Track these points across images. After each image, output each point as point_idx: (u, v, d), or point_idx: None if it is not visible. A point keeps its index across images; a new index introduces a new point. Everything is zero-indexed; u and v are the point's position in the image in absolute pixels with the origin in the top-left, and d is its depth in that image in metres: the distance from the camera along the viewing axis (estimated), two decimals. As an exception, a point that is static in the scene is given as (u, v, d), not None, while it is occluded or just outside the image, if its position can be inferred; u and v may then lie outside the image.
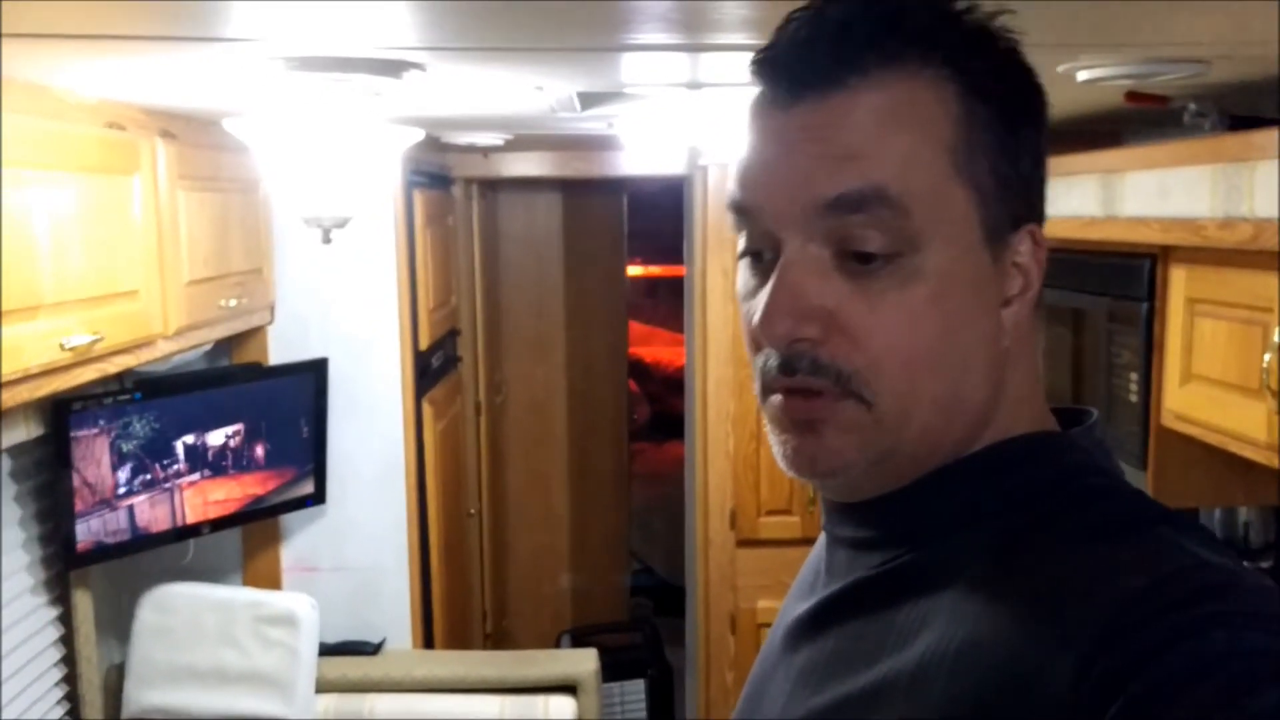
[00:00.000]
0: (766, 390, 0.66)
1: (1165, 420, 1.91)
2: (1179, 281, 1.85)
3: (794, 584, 0.82)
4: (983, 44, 0.64)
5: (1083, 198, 2.17)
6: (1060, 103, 2.17)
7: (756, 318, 0.63)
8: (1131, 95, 1.81)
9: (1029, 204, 0.65)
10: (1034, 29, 1.37)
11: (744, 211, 0.65)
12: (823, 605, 0.71)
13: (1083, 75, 1.61)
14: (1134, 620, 0.54)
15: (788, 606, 0.80)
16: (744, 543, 3.42)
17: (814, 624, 0.72)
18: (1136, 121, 2.46)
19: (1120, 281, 2.07)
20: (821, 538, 0.79)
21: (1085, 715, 0.53)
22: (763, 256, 0.65)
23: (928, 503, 0.67)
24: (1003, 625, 0.58)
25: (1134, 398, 2.02)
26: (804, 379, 0.63)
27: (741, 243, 0.67)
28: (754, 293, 0.65)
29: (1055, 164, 2.45)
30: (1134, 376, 2.02)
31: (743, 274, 0.67)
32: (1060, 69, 1.61)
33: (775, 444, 0.67)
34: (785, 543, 3.33)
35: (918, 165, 0.61)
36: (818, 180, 0.61)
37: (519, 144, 3.32)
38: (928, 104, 0.61)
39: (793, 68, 0.62)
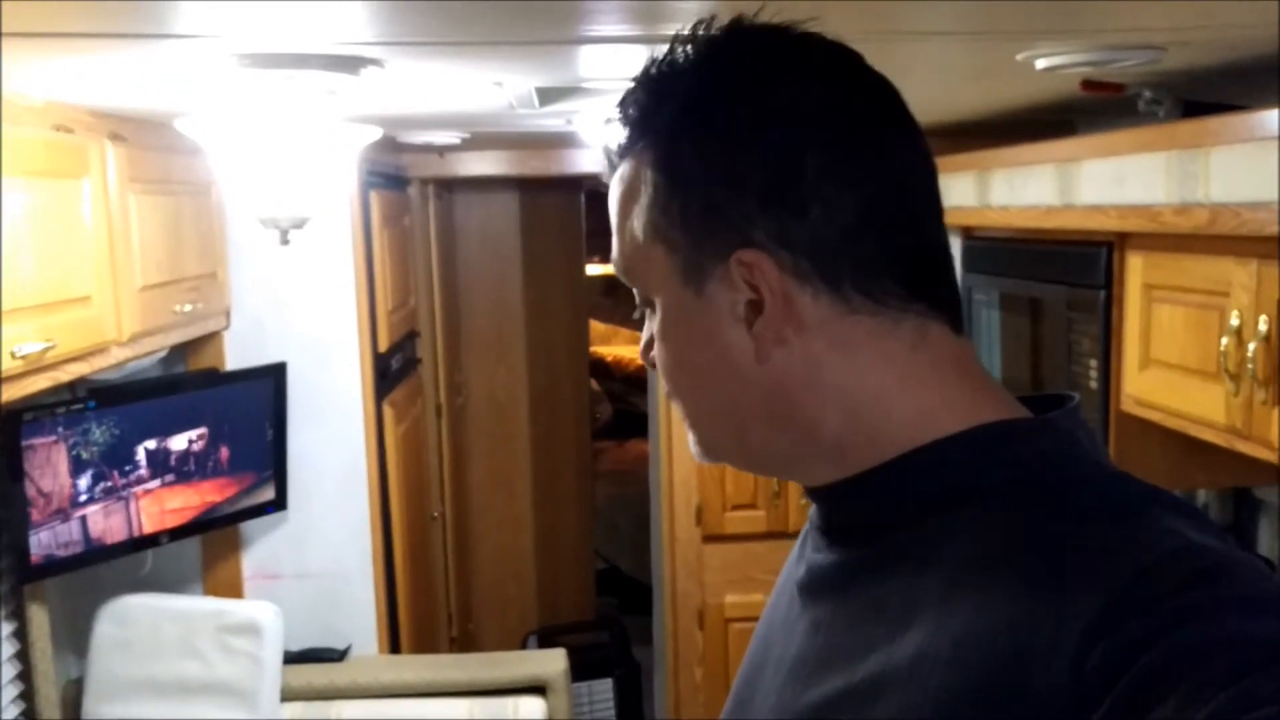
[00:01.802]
0: None
1: (1125, 405, 1.93)
2: (1136, 268, 1.87)
3: (782, 572, 0.82)
4: (674, 113, 0.70)
5: (1040, 187, 2.18)
6: (1018, 92, 2.19)
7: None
8: (1088, 84, 1.83)
9: (730, 236, 0.68)
10: (993, 17, 1.38)
11: None
12: (806, 586, 0.73)
13: (1041, 64, 1.62)
14: (1128, 607, 0.54)
15: (776, 599, 0.80)
16: (710, 538, 3.42)
17: (803, 607, 0.73)
18: (1091, 110, 2.49)
19: (1078, 269, 2.09)
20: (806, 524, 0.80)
21: (1083, 703, 0.52)
22: None
23: (889, 490, 0.68)
24: (997, 615, 0.58)
25: (1094, 384, 2.04)
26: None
27: None
28: None
29: (1012, 154, 2.48)
30: (1093, 363, 2.04)
31: None
32: (1019, 57, 1.62)
33: None
34: (751, 537, 3.33)
35: (629, 234, 0.72)
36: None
37: (475, 143, 3.30)
38: (634, 180, 0.71)
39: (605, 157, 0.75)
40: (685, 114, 0.69)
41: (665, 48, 0.71)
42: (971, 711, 0.57)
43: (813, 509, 0.76)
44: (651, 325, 0.75)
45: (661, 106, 0.70)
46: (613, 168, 0.74)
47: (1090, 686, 0.53)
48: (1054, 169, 2.11)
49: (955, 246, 2.86)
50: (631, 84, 0.72)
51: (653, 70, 0.71)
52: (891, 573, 0.66)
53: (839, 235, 0.66)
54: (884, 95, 0.71)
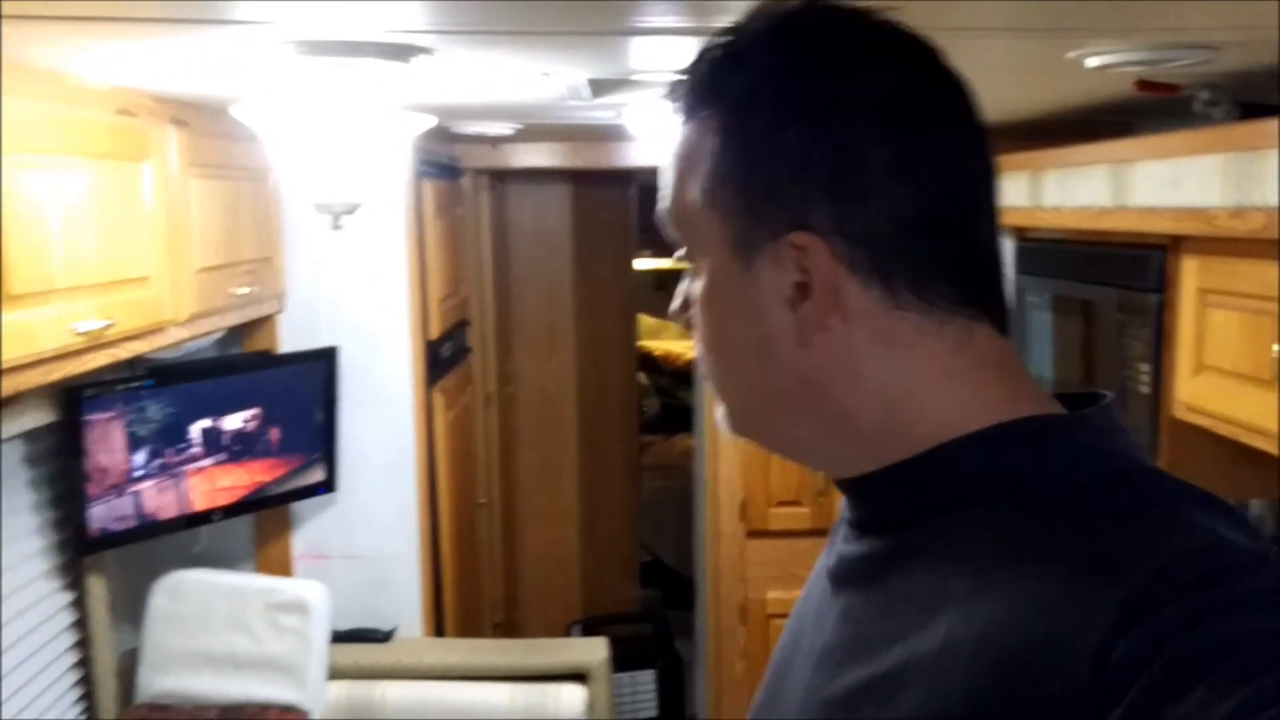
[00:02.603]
0: None
1: (1176, 411, 1.90)
2: (1190, 272, 1.85)
3: (816, 564, 0.83)
4: (747, 80, 0.69)
5: (1093, 188, 2.16)
6: (1069, 91, 2.17)
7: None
8: (1142, 83, 1.81)
9: (788, 214, 0.68)
10: (1042, 14, 1.37)
11: None
12: (836, 577, 0.73)
13: (1092, 62, 1.60)
14: (1152, 602, 0.54)
15: (808, 591, 0.81)
16: (754, 534, 3.42)
17: (832, 598, 0.73)
18: (1147, 111, 2.45)
19: (1131, 272, 2.06)
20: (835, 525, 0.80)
21: (1107, 698, 0.52)
22: None
23: (908, 484, 0.68)
24: (1022, 608, 0.58)
25: (1145, 389, 2.01)
26: None
27: None
28: None
29: (1065, 154, 2.45)
30: (1145, 368, 2.02)
31: None
32: (1069, 55, 1.60)
33: None
34: (795, 534, 3.33)
35: (684, 196, 0.72)
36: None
37: (528, 134, 3.32)
38: (697, 144, 0.71)
39: (670, 101, 0.75)
40: (757, 87, 0.68)
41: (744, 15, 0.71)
42: (995, 703, 0.57)
43: (844, 500, 0.76)
44: (692, 284, 0.74)
45: (733, 75, 0.70)
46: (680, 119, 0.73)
47: (1113, 681, 0.53)
48: (1108, 170, 2.08)
49: (1007, 247, 2.85)
50: (705, 46, 0.72)
51: (729, 40, 0.70)
52: (920, 564, 0.66)
53: (896, 230, 0.66)
54: (958, 94, 0.70)
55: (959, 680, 0.59)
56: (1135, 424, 2.02)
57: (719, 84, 0.70)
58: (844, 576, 0.73)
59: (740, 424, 0.76)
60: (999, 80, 1.94)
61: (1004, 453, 0.66)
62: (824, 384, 0.69)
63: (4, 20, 1.27)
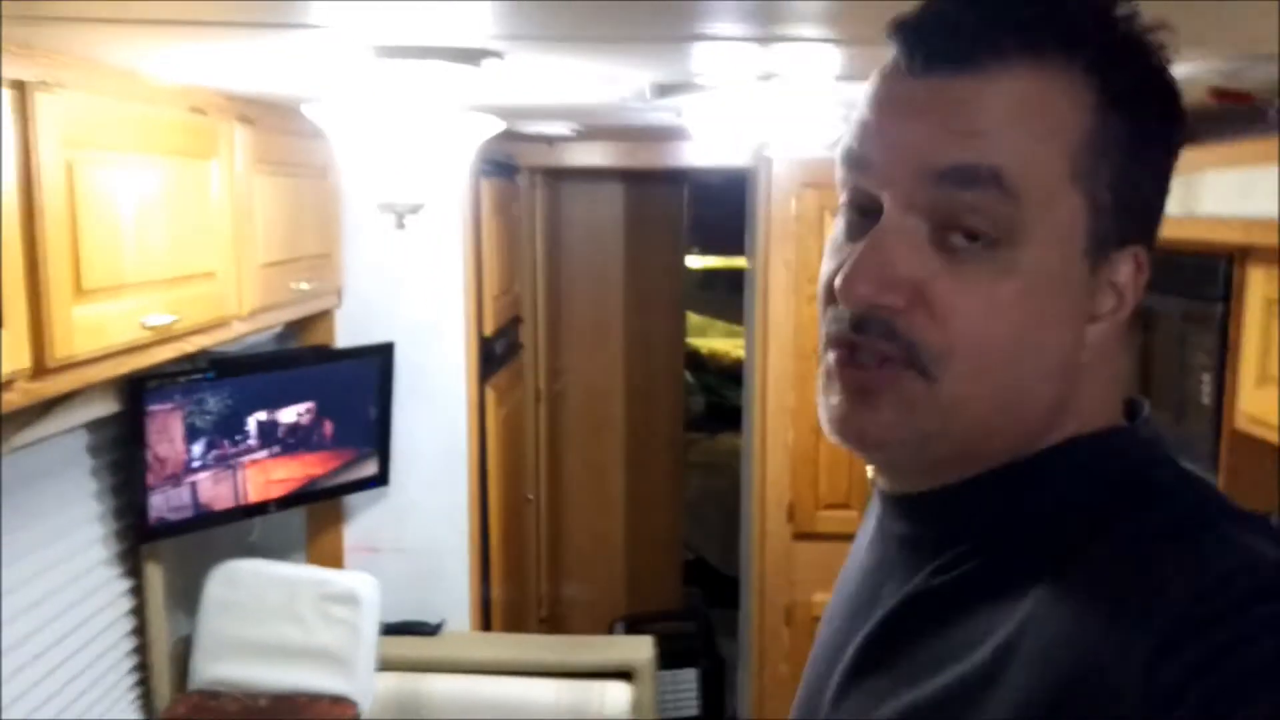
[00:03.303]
0: (829, 344, 0.66)
1: (1239, 423, 1.87)
2: (1258, 282, 1.82)
3: (841, 576, 0.81)
4: (1132, 56, 0.62)
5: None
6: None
7: (840, 277, 0.63)
8: (1216, 92, 1.78)
9: (1142, 226, 0.64)
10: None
11: (854, 165, 0.65)
12: (885, 626, 0.70)
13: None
14: (1197, 622, 0.54)
15: (836, 605, 0.79)
16: (801, 536, 3.41)
17: (878, 647, 0.70)
18: (1217, 119, 2.41)
19: (1196, 281, 2.03)
20: (865, 527, 0.78)
21: (1154, 717, 0.52)
22: (866, 210, 0.65)
23: (983, 502, 0.66)
24: (1070, 629, 0.58)
25: (1206, 400, 1.98)
26: (873, 339, 0.63)
27: (842, 195, 0.67)
28: (842, 247, 0.66)
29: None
30: (1207, 378, 1.99)
31: (837, 224, 0.68)
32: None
33: (823, 407, 0.67)
34: (844, 537, 3.26)
35: (1037, 160, 0.60)
36: (936, 148, 0.61)
37: (584, 134, 3.33)
38: (1061, 105, 0.60)
39: (933, 40, 0.62)
40: (1150, 74, 0.62)
41: None
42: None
43: (887, 513, 0.73)
44: (926, 259, 0.61)
45: (1102, 37, 0.61)
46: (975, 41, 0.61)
47: (1159, 704, 0.52)
48: (1176, 178, 2.05)
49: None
50: None
51: None
52: (973, 593, 0.65)
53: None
54: None
55: (1010, 699, 0.58)
56: (1195, 435, 1.99)
57: (1092, 31, 0.62)
58: (893, 597, 0.70)
59: (930, 433, 0.64)
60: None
61: (1060, 475, 0.65)
62: (1068, 398, 0.65)
63: (85, 22, 1.30)
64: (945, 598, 0.66)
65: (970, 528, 0.67)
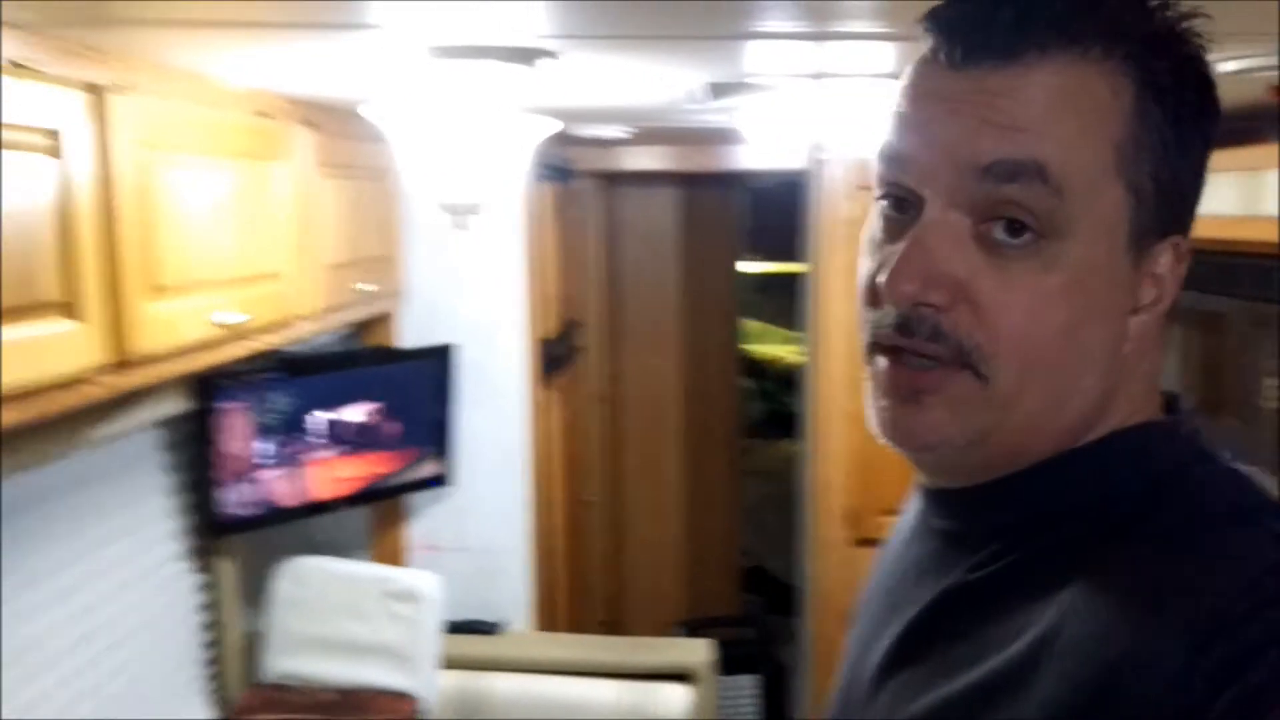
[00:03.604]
0: (875, 348, 0.66)
1: (1307, 423, 1.84)
2: (1325, 280, 1.78)
3: (877, 569, 0.81)
4: (1170, 46, 0.62)
5: (1222, 196, 2.09)
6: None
7: (884, 274, 0.63)
8: (1278, 90, 1.75)
9: (1180, 216, 0.64)
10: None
11: (893, 161, 0.65)
12: (922, 620, 0.70)
13: (1227, 67, 1.56)
14: (1236, 618, 0.54)
15: (873, 597, 0.79)
16: (860, 542, 3.38)
17: (915, 640, 0.71)
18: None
19: (1261, 283, 2.00)
20: (903, 519, 0.78)
21: (1194, 713, 0.52)
22: (904, 206, 0.64)
23: (1024, 497, 0.66)
24: (1107, 624, 0.57)
25: (1273, 404, 1.95)
26: (920, 343, 0.63)
27: (877, 190, 0.67)
28: (881, 245, 0.65)
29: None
30: (1272, 383, 1.95)
31: (874, 222, 0.67)
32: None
33: (872, 409, 0.67)
34: (904, 542, 3.29)
35: (1081, 153, 0.60)
36: (978, 143, 0.61)
37: (640, 138, 3.36)
38: (1102, 96, 0.60)
39: (971, 31, 0.61)
40: (1187, 64, 0.62)
41: None
42: (1081, 714, 0.56)
43: (928, 508, 0.73)
44: (970, 255, 0.61)
45: (1141, 27, 0.62)
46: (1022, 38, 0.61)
47: (1199, 698, 0.52)
48: (1237, 178, 2.02)
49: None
50: None
51: None
52: (1010, 587, 0.64)
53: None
54: None
55: (1044, 693, 0.58)
56: (1261, 438, 1.95)
57: (1131, 26, 0.62)
58: (932, 591, 0.70)
59: (981, 431, 0.64)
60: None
61: (1101, 469, 0.65)
62: (1111, 392, 0.65)
63: (151, 25, 1.35)
64: (983, 593, 0.66)
65: (1010, 523, 0.67)
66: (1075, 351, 0.62)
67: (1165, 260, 0.63)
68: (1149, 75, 0.61)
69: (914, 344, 0.63)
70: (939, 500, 0.71)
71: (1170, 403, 0.69)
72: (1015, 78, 0.60)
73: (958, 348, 0.62)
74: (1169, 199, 0.62)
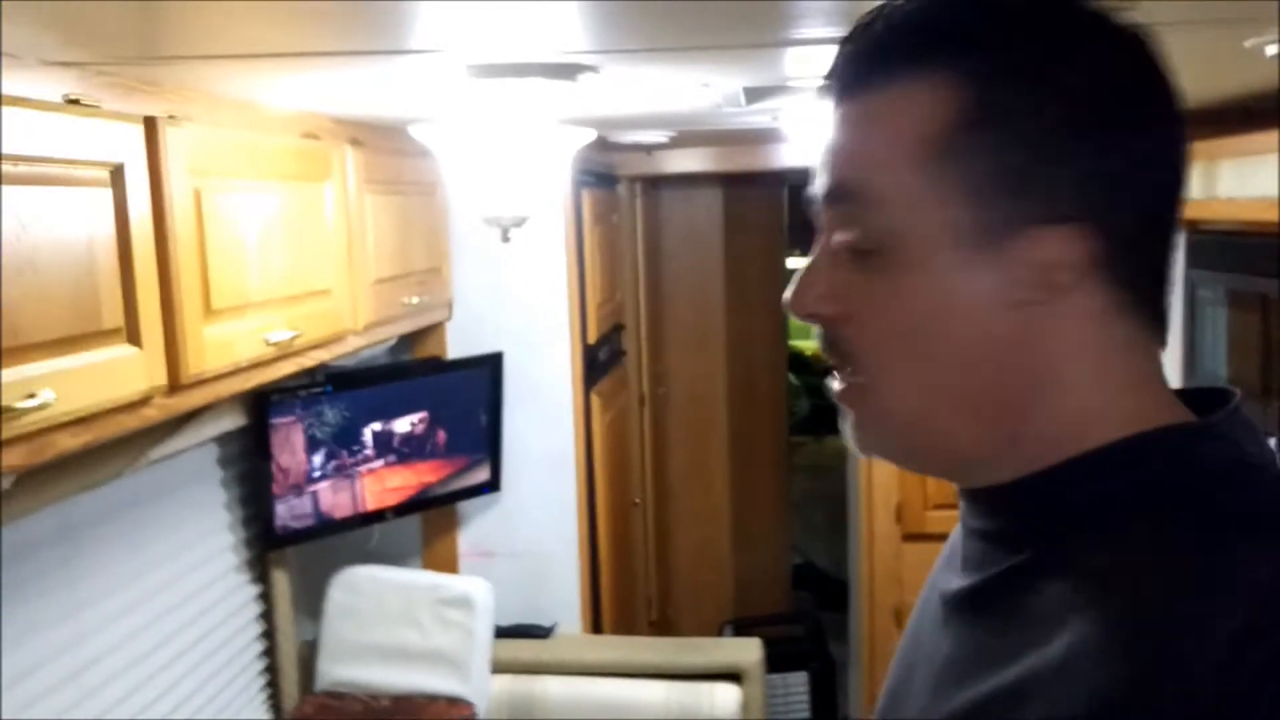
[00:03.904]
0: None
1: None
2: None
3: (933, 570, 0.82)
4: (1007, 43, 0.62)
5: (1272, 178, 2.07)
6: (1247, 79, 2.08)
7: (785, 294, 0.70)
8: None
9: (1048, 203, 0.62)
10: (1222, 7, 1.33)
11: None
12: (963, 595, 0.71)
13: (1272, 50, 1.54)
14: (1271, 621, 0.54)
15: (928, 595, 0.80)
16: (910, 537, 3.38)
17: (955, 612, 0.72)
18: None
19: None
20: (959, 524, 0.80)
21: (1229, 714, 0.52)
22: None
23: (1050, 496, 0.66)
24: (1143, 623, 0.57)
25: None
26: (829, 357, 0.69)
27: None
28: None
29: (1242, 143, 2.35)
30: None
31: None
32: (1248, 44, 1.54)
33: None
34: (953, 537, 3.28)
35: (889, 166, 0.63)
36: (820, 175, 0.68)
37: (681, 140, 3.37)
38: (922, 111, 0.62)
39: (831, 74, 0.67)
40: (1020, 48, 0.62)
41: None
42: (1118, 717, 0.56)
43: (965, 510, 0.74)
44: (838, 276, 0.66)
45: (979, 30, 0.62)
46: (851, 73, 0.65)
47: (1236, 698, 0.52)
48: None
49: (1179, 241, 2.74)
50: None
51: None
52: (1043, 577, 0.65)
53: (1136, 229, 0.63)
54: (1174, 91, 0.66)
55: (1079, 697, 0.58)
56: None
57: (956, 39, 0.62)
58: (966, 590, 0.71)
59: (880, 435, 0.69)
60: (1172, 71, 1.88)
61: (1130, 467, 0.64)
62: (1022, 388, 0.65)
63: (208, 60, 1.38)
64: (1019, 584, 0.67)
65: (1040, 520, 0.67)
66: (939, 348, 0.64)
67: (1051, 249, 0.62)
68: (979, 79, 0.62)
69: (829, 358, 0.70)
70: (971, 499, 0.72)
71: (1223, 397, 0.68)
72: (851, 109, 0.66)
73: (845, 356, 0.68)
74: (1021, 190, 0.61)
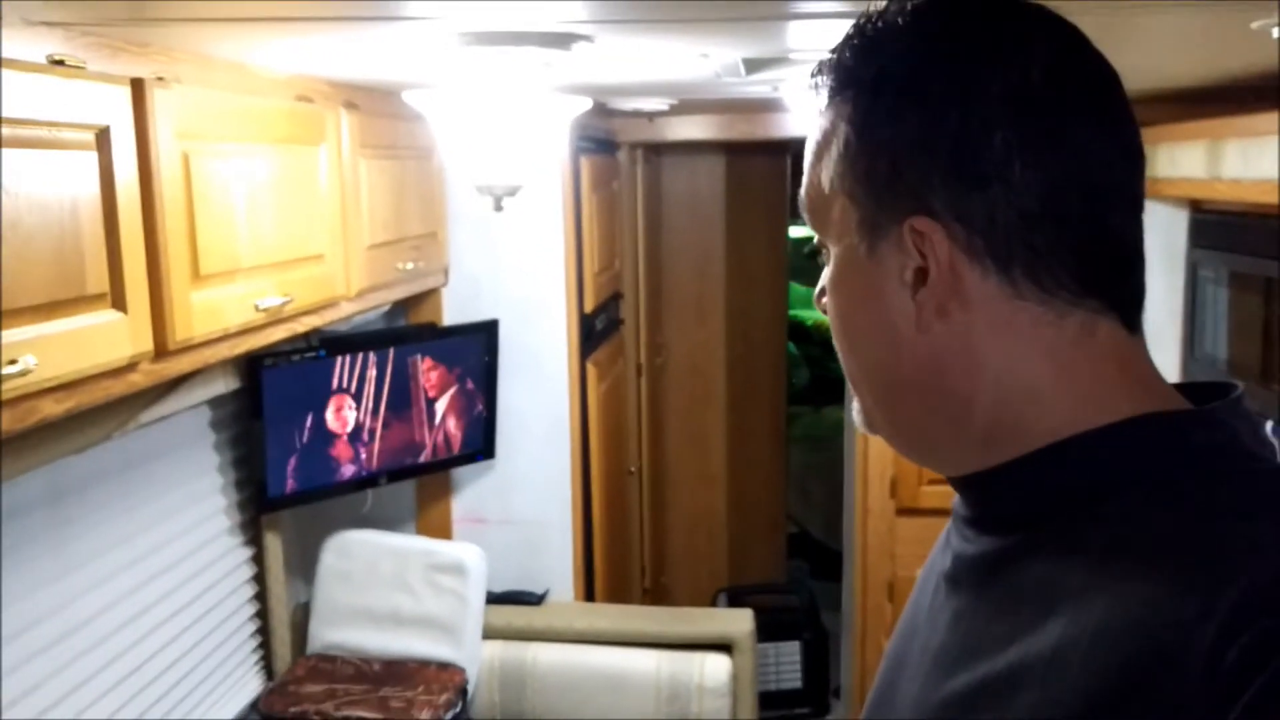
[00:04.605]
0: None
1: (1362, 398, 1.80)
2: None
3: (931, 554, 0.83)
4: (877, 67, 0.70)
5: (1274, 159, 2.04)
6: (1253, 60, 2.05)
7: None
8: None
9: (917, 199, 0.67)
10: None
11: None
12: (953, 580, 0.74)
13: (1278, 32, 1.52)
14: (1265, 606, 0.54)
15: (925, 579, 0.81)
16: (904, 511, 3.38)
17: (948, 598, 0.73)
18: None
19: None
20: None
21: (1219, 701, 0.53)
22: None
23: (1032, 482, 0.68)
24: (1135, 609, 0.58)
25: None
26: None
27: None
28: None
29: (1247, 123, 2.32)
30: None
31: None
32: (1255, 25, 1.52)
33: None
34: (946, 512, 3.21)
35: (817, 180, 0.74)
36: None
37: (683, 108, 3.33)
38: (833, 128, 0.72)
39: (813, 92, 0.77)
40: (885, 74, 0.69)
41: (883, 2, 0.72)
42: (1109, 704, 0.57)
43: (957, 498, 0.76)
44: (826, 272, 0.76)
45: (866, 62, 0.70)
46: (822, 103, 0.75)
47: (1226, 685, 0.53)
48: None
49: (1181, 220, 2.72)
50: (848, 32, 0.73)
51: (866, 25, 0.71)
52: (1035, 563, 0.66)
53: (1016, 217, 0.66)
54: (1095, 82, 0.69)
55: (1073, 681, 0.59)
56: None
57: (855, 69, 0.71)
58: (958, 576, 0.73)
59: (872, 417, 0.76)
60: (1177, 51, 1.86)
61: (1121, 453, 0.66)
62: (941, 372, 0.70)
63: (198, 21, 1.36)
64: (1007, 568, 0.68)
65: (1024, 506, 0.69)
66: (861, 330, 0.73)
67: (909, 239, 0.68)
68: (858, 110, 0.70)
69: None
70: (955, 486, 0.75)
71: (1223, 390, 0.69)
72: (815, 125, 0.76)
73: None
74: (887, 197, 0.69)
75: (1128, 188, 0.69)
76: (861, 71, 0.71)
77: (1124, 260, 0.69)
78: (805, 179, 0.75)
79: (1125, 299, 0.69)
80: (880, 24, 0.71)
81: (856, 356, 0.74)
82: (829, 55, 0.74)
